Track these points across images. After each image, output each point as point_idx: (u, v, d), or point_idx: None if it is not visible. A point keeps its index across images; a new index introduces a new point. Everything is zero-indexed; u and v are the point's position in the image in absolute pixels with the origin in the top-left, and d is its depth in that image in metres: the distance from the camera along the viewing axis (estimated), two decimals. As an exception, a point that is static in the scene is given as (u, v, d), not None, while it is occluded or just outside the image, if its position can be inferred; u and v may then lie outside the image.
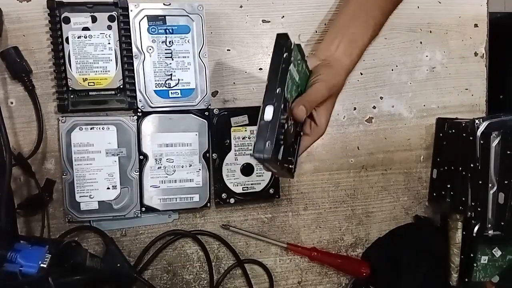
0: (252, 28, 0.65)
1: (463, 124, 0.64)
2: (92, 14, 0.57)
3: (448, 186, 0.67)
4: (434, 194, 0.71)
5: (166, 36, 0.59)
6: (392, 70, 0.70)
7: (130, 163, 0.60)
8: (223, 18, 0.64)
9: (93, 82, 0.58)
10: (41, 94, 0.59)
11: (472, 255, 0.64)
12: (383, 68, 0.69)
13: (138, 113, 0.60)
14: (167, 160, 0.61)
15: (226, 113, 0.63)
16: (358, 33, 0.57)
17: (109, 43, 0.58)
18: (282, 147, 0.42)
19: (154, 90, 0.60)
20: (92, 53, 0.58)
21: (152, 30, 0.59)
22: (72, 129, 0.58)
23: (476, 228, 0.63)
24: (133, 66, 0.59)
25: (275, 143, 0.40)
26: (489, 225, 0.61)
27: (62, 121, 0.58)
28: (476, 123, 0.61)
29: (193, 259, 0.65)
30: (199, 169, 0.62)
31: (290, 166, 0.48)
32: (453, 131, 0.67)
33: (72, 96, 0.59)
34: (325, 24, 0.66)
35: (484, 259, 0.65)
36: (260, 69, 0.65)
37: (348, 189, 0.70)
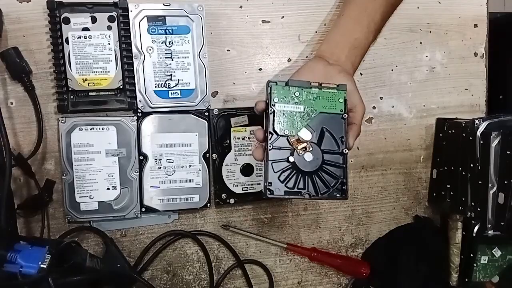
0: (252, 29, 0.65)
1: (463, 124, 0.64)
2: (92, 14, 0.57)
3: (448, 186, 0.67)
4: (434, 194, 0.71)
5: (166, 37, 0.59)
6: (392, 70, 0.70)
7: (130, 164, 0.60)
8: (223, 18, 0.64)
9: (93, 83, 0.58)
10: (41, 95, 0.59)
11: (472, 255, 0.64)
12: (383, 68, 0.69)
13: (138, 114, 0.60)
14: (167, 161, 0.61)
15: (226, 113, 0.63)
16: (360, 39, 0.57)
17: (109, 44, 0.58)
18: (292, 178, 0.49)
19: (154, 91, 0.60)
20: (92, 53, 0.58)
21: (152, 30, 0.59)
22: (72, 129, 0.58)
23: (476, 228, 0.63)
24: (133, 66, 0.59)
25: (270, 180, 0.48)
26: (489, 225, 0.61)
27: (62, 121, 0.58)
28: (476, 123, 0.61)
29: (193, 260, 0.65)
30: (199, 170, 0.62)
31: (332, 189, 0.50)
32: (453, 131, 0.67)
33: (72, 97, 0.59)
34: (325, 24, 0.66)
35: (484, 259, 0.65)
36: (260, 69, 0.65)
37: (348, 189, 0.70)
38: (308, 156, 0.49)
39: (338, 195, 0.50)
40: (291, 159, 0.49)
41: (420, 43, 0.70)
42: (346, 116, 0.51)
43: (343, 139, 0.50)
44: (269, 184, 0.48)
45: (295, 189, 0.49)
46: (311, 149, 0.49)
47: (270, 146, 0.49)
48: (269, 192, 0.48)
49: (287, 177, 0.49)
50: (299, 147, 0.49)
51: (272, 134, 0.49)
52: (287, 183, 0.49)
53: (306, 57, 0.66)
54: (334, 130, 0.50)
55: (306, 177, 0.49)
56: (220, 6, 0.63)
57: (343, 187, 0.50)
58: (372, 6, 0.58)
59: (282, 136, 0.49)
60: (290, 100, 0.50)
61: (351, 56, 0.56)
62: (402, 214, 0.72)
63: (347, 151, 0.50)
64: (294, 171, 0.49)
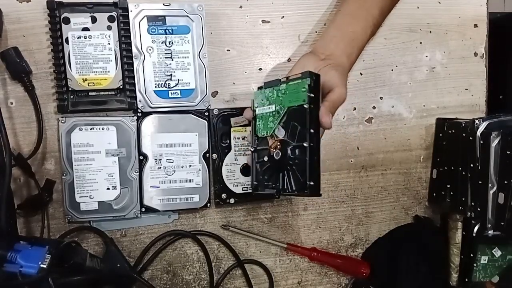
0: (252, 29, 0.65)
1: (463, 124, 0.64)
2: (92, 14, 0.57)
3: (448, 186, 0.67)
4: (434, 194, 0.71)
5: (166, 37, 0.59)
6: (392, 70, 0.70)
7: (130, 164, 0.60)
8: (223, 18, 0.64)
9: (93, 83, 0.58)
10: (41, 95, 0.59)
11: (472, 255, 0.64)
12: (383, 68, 0.69)
13: (138, 114, 0.60)
14: (167, 161, 0.61)
15: (226, 113, 0.63)
16: (357, 32, 0.57)
17: (109, 44, 0.58)
18: (273, 176, 0.51)
19: (154, 91, 0.60)
20: (92, 53, 0.58)
21: (152, 30, 0.59)
22: (72, 129, 0.58)
23: (476, 228, 0.63)
24: (133, 66, 0.59)
25: (255, 179, 0.54)
26: (489, 225, 0.61)
27: (62, 121, 0.58)
28: (476, 123, 0.61)
29: (193, 260, 0.65)
30: (199, 170, 0.62)
31: (308, 185, 0.48)
32: (453, 131, 0.67)
33: (72, 97, 0.59)
34: (324, 24, 0.66)
35: (484, 259, 0.65)
36: (260, 69, 0.65)
37: (348, 189, 0.70)
38: (277, 155, 0.50)
39: (305, 192, 0.47)
40: (265, 158, 0.52)
41: (420, 43, 0.70)
42: (308, 106, 0.47)
43: (310, 132, 0.47)
44: (254, 182, 0.54)
45: (274, 186, 0.51)
46: (280, 147, 0.50)
47: (252, 148, 0.53)
48: (253, 189, 0.54)
49: (269, 175, 0.52)
50: (272, 147, 0.51)
51: (256, 137, 0.53)
52: (269, 180, 0.52)
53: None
54: (301, 123, 0.48)
55: (282, 174, 0.51)
56: (220, 6, 0.63)
57: (310, 183, 0.47)
58: (370, 0, 0.58)
59: (262, 137, 0.52)
60: (265, 102, 0.53)
61: (346, 49, 0.56)
62: (402, 214, 0.72)
63: (306, 144, 0.47)
64: (274, 169, 0.51)
